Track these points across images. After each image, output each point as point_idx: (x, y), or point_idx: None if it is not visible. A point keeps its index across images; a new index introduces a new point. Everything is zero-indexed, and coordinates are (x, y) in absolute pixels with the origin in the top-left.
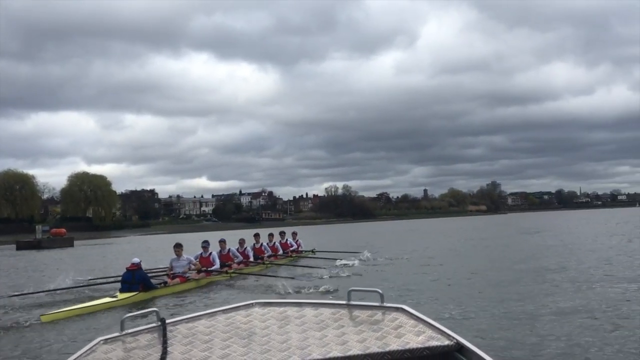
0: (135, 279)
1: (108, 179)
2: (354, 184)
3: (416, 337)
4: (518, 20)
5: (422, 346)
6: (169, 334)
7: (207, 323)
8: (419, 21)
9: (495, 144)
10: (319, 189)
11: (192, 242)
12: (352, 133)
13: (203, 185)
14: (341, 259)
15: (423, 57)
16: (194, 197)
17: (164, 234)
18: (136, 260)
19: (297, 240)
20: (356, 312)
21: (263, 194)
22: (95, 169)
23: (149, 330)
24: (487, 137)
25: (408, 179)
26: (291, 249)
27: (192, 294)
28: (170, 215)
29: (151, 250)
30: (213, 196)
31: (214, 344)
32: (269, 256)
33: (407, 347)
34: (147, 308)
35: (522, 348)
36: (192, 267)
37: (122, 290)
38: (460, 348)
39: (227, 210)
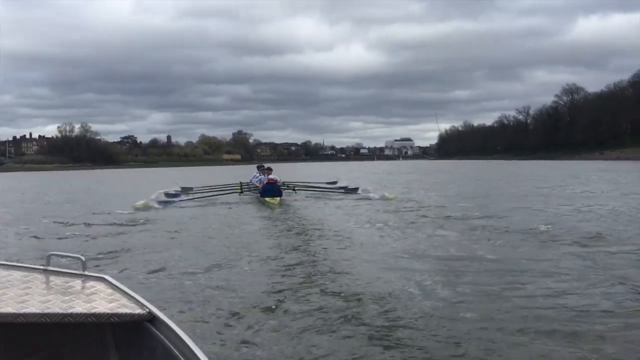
0: (275, 188)
1: None
2: None
3: (107, 304)
4: None
5: (110, 312)
6: None
7: None
8: None
9: (238, 93)
10: (43, 131)
11: None
12: (83, 71)
13: None
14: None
15: None
16: None
17: None
18: (274, 177)
19: None
20: (51, 278)
21: None
22: None
23: None
24: (230, 86)
25: (146, 125)
26: None
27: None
28: None
29: None
30: None
31: None
32: None
33: (93, 311)
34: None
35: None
36: None
37: (265, 196)
38: (152, 318)
39: None
